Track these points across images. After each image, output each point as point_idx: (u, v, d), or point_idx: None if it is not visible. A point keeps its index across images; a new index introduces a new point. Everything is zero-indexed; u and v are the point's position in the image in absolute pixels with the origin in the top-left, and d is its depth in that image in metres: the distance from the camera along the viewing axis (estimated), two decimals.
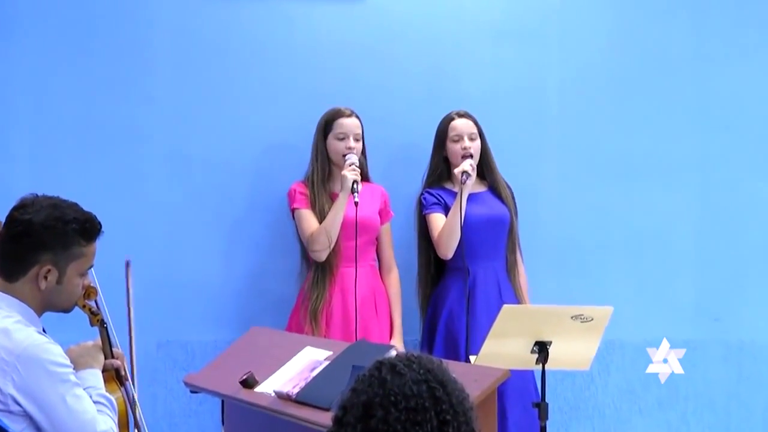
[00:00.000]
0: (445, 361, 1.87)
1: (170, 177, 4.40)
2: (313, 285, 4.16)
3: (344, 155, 4.16)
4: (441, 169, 4.29)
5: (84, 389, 2.66)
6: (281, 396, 3.04)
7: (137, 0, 4.41)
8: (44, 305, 2.71)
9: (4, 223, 2.71)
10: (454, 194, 4.19)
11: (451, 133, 4.25)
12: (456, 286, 4.19)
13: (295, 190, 4.23)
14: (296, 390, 3.01)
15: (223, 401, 3.46)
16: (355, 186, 4.05)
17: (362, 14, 4.50)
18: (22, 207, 2.69)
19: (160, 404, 4.34)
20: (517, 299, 4.25)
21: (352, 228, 4.10)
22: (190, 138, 4.42)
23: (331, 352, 3.17)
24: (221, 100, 4.44)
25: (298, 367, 3.15)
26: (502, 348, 3.44)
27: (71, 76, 4.36)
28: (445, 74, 4.53)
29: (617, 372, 4.60)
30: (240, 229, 4.44)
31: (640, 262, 4.62)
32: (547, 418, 3.48)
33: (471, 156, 4.20)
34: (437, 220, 4.21)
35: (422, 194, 4.29)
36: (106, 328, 2.91)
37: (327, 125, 4.22)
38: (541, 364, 3.48)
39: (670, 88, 4.65)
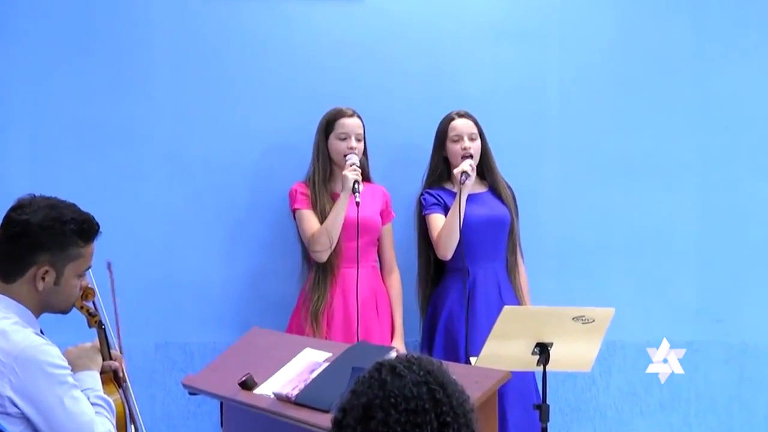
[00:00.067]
0: (445, 362, 1.87)
1: (169, 177, 4.40)
2: (314, 286, 4.16)
3: (345, 155, 4.14)
4: (441, 170, 4.28)
5: (82, 391, 2.65)
6: (280, 398, 3.03)
7: (136, 0, 4.39)
8: (42, 306, 2.70)
9: (2, 223, 2.70)
10: (453, 194, 4.19)
11: (451, 133, 4.24)
12: (456, 287, 4.19)
13: (296, 191, 4.23)
14: (296, 392, 3.00)
15: (221, 403, 3.46)
16: (356, 186, 4.04)
17: (362, 14, 4.50)
18: (19, 207, 2.69)
19: (158, 406, 4.34)
20: (518, 300, 4.25)
21: (353, 229, 4.09)
22: (189, 138, 4.42)
23: (330, 354, 3.17)
24: (221, 100, 4.43)
25: (298, 369, 3.15)
26: (503, 349, 3.44)
27: (70, 75, 4.36)
28: (445, 74, 4.53)
29: (619, 373, 4.60)
30: (240, 229, 4.43)
31: (642, 262, 4.62)
32: (548, 419, 3.48)
33: (471, 156, 4.19)
34: (437, 220, 4.21)
35: (422, 194, 4.29)
36: (104, 329, 2.91)
37: (328, 125, 4.21)
38: (542, 366, 3.48)
39: (671, 88, 4.65)
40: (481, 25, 4.56)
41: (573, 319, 3.47)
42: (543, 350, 3.46)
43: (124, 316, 3.28)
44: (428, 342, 4.24)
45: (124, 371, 2.95)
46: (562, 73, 4.60)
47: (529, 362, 3.49)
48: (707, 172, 4.65)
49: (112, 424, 2.70)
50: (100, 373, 2.80)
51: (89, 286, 2.87)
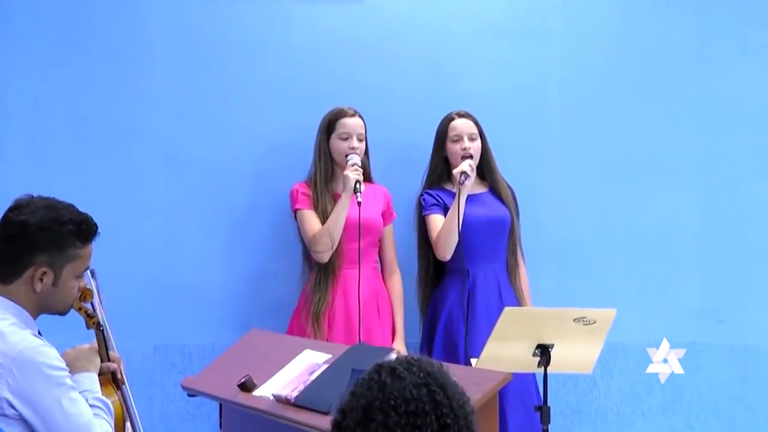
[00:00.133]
0: (445, 364, 1.86)
1: (168, 178, 4.39)
2: (315, 287, 4.15)
3: (347, 155, 4.14)
4: (441, 170, 4.28)
5: (80, 393, 2.65)
6: (280, 399, 3.03)
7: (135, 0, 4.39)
8: (40, 307, 2.70)
9: None
10: (453, 195, 4.18)
11: (451, 134, 4.23)
12: (455, 288, 4.18)
13: (297, 191, 4.22)
14: (295, 393, 3.00)
15: (220, 405, 3.46)
16: (357, 186, 4.04)
17: (361, 13, 4.49)
18: (17, 208, 2.68)
19: (157, 407, 4.33)
20: (518, 301, 4.24)
21: (354, 229, 4.08)
22: (188, 138, 4.41)
23: (330, 355, 3.17)
24: (220, 100, 4.43)
25: (297, 371, 3.15)
26: (504, 351, 3.43)
27: (68, 75, 4.35)
28: (446, 74, 4.52)
29: (620, 375, 4.58)
30: (240, 230, 4.43)
31: (643, 263, 4.61)
32: (549, 421, 3.49)
33: (471, 156, 4.19)
34: (436, 221, 4.20)
35: (422, 195, 4.28)
36: (103, 330, 2.89)
37: (330, 125, 4.21)
38: (543, 368, 3.47)
39: (673, 87, 4.64)
40: (482, 24, 4.55)
41: (574, 320, 3.47)
42: (544, 352, 3.47)
43: (122, 318, 3.27)
44: (428, 343, 4.23)
45: (123, 373, 2.93)
46: (563, 72, 4.59)
47: (529, 364, 3.49)
48: (709, 172, 4.64)
49: (111, 425, 2.69)
50: (99, 375, 2.79)
51: (87, 287, 2.85)
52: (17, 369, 2.54)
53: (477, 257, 4.19)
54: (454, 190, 4.18)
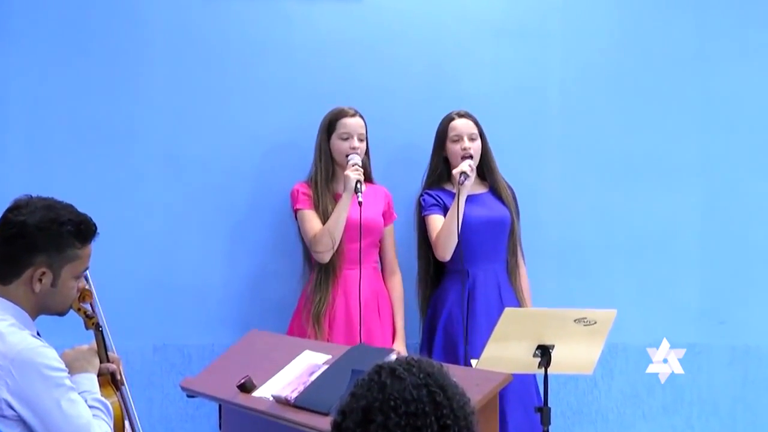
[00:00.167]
0: (445, 365, 1.86)
1: (167, 178, 4.39)
2: (315, 287, 4.15)
3: (348, 155, 4.13)
4: (441, 170, 4.27)
5: (79, 393, 2.64)
6: (279, 400, 3.02)
7: None
8: (39, 308, 2.69)
9: None
10: (453, 195, 4.17)
11: (451, 134, 4.23)
12: (455, 289, 4.17)
13: (298, 191, 4.21)
14: (295, 394, 2.99)
15: (220, 406, 3.46)
16: (358, 186, 4.03)
17: (361, 13, 4.49)
18: (16, 208, 2.68)
19: (156, 408, 4.32)
20: (518, 302, 4.24)
21: (355, 230, 4.08)
22: (188, 138, 4.40)
23: (330, 356, 3.16)
24: (219, 100, 4.42)
25: (297, 371, 3.14)
26: (504, 352, 3.43)
27: (67, 75, 4.34)
28: (446, 73, 4.52)
29: (621, 376, 4.58)
30: (240, 230, 4.42)
31: (644, 264, 4.60)
32: (549, 422, 3.48)
33: (471, 157, 4.18)
34: (436, 221, 4.20)
35: (421, 195, 4.28)
36: (102, 331, 2.89)
37: (331, 125, 4.20)
38: (543, 368, 3.46)
39: (674, 87, 4.63)
40: (482, 24, 4.55)
41: (575, 321, 3.46)
42: (544, 352, 3.46)
43: (121, 318, 3.27)
44: (428, 344, 4.23)
45: (122, 374, 2.93)
46: (564, 72, 4.58)
47: (530, 365, 3.48)
48: (710, 172, 4.64)
49: (110, 426, 2.69)
50: (98, 376, 2.79)
51: (86, 287, 2.85)
52: (16, 370, 2.54)
53: (477, 258, 4.19)
54: (454, 190, 4.17)
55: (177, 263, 4.36)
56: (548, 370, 3.47)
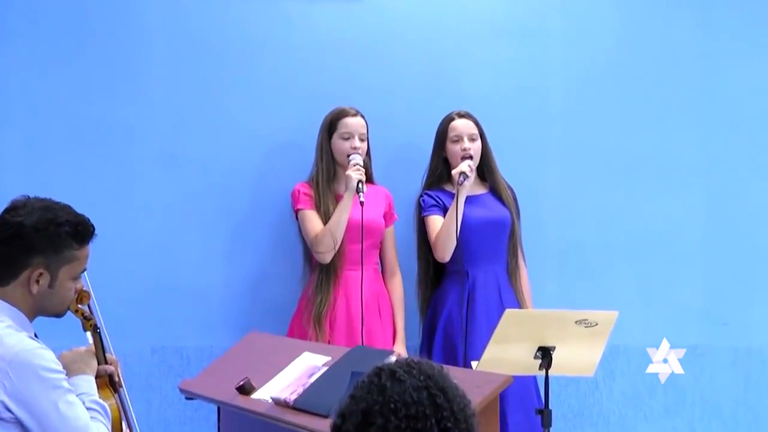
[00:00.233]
0: (446, 366, 1.86)
1: (166, 178, 4.38)
2: (316, 288, 4.14)
3: (349, 155, 4.13)
4: (440, 171, 4.27)
5: (77, 395, 2.63)
6: (279, 403, 3.02)
7: None
8: (36, 310, 2.69)
9: None
10: (453, 196, 4.16)
11: (451, 134, 4.22)
12: (455, 290, 4.17)
13: (299, 191, 4.21)
14: (294, 396, 2.99)
15: (219, 408, 3.46)
16: (360, 186, 4.02)
17: (361, 13, 4.48)
18: (13, 209, 2.67)
19: (154, 411, 4.31)
20: (519, 303, 4.23)
21: (357, 231, 4.08)
22: (187, 139, 4.40)
23: (329, 358, 3.17)
24: (219, 100, 4.42)
25: (296, 373, 3.14)
26: (505, 353, 3.42)
27: (65, 75, 4.33)
28: (446, 73, 4.52)
29: (622, 378, 4.58)
30: (240, 231, 4.42)
31: (646, 265, 4.59)
32: (550, 425, 3.47)
33: (471, 157, 4.17)
34: (435, 222, 4.19)
35: (421, 196, 4.27)
36: (99, 333, 2.88)
37: (332, 125, 4.20)
38: (544, 370, 3.45)
39: (675, 87, 4.63)
40: (483, 23, 4.54)
41: (576, 322, 3.45)
42: (545, 354, 3.45)
43: (119, 320, 3.26)
44: (427, 345, 4.23)
45: (120, 375, 2.92)
46: (565, 72, 4.58)
47: (531, 366, 3.48)
48: (712, 172, 4.64)
49: (108, 429, 2.67)
50: (96, 378, 2.78)
51: (84, 289, 2.84)
52: (14, 372, 2.53)
53: (477, 259, 4.18)
54: (454, 191, 4.16)
55: (175, 264, 4.36)
56: (549, 371, 3.46)
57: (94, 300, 2.92)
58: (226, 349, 3.67)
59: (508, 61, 4.55)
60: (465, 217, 4.10)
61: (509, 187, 4.33)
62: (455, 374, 1.85)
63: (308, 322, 4.11)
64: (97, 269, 2.95)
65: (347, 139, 4.17)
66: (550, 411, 3.47)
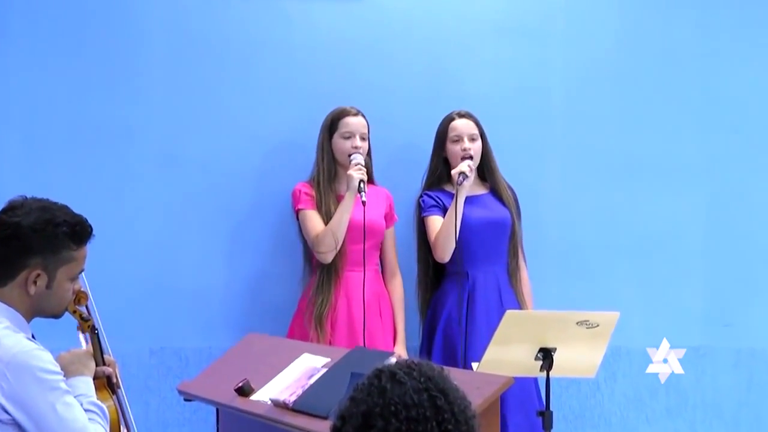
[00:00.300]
0: (446, 368, 1.85)
1: (165, 179, 4.37)
2: (317, 289, 4.14)
3: (350, 155, 4.12)
4: (440, 171, 4.26)
5: (75, 397, 2.62)
6: (278, 404, 3.02)
7: None
8: (33, 311, 2.68)
9: None
10: (453, 196, 4.15)
11: (451, 134, 4.21)
12: (455, 291, 4.17)
13: (299, 191, 4.20)
14: (293, 398, 2.99)
15: (217, 410, 3.46)
16: (361, 186, 4.01)
17: (361, 12, 4.48)
18: (10, 209, 2.67)
19: (152, 412, 4.30)
20: (519, 304, 4.22)
21: (358, 231, 4.07)
22: (186, 139, 4.39)
23: (329, 359, 3.17)
24: (218, 100, 4.41)
25: (295, 375, 3.14)
26: (506, 355, 3.42)
27: (64, 74, 4.32)
28: (447, 73, 4.51)
29: (624, 379, 4.57)
30: (240, 232, 4.40)
31: (647, 266, 4.59)
32: (551, 427, 3.46)
33: (471, 157, 4.16)
34: (435, 222, 4.18)
35: (421, 196, 4.26)
36: (97, 334, 2.88)
37: (332, 124, 4.19)
38: (545, 372, 3.44)
39: (677, 87, 4.62)
40: (484, 23, 4.53)
41: (577, 323, 3.45)
42: (546, 356, 3.44)
43: (118, 321, 3.26)
44: (427, 346, 4.22)
45: (118, 377, 2.92)
46: (566, 72, 4.57)
47: (532, 368, 3.47)
48: (714, 173, 4.63)
49: (106, 430, 2.67)
50: (94, 379, 2.77)
51: (82, 289, 2.84)
52: (11, 373, 2.52)
53: (477, 259, 4.18)
54: (454, 191, 4.15)
55: (174, 265, 4.35)
56: (550, 373, 3.45)
57: (92, 301, 2.92)
58: (225, 350, 3.67)
59: (509, 61, 4.54)
60: (465, 218, 4.10)
61: (510, 188, 4.32)
62: (456, 376, 1.84)
63: (309, 322, 4.10)
64: (95, 270, 2.96)
65: (348, 138, 4.16)
66: (551, 413, 3.46)
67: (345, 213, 4.08)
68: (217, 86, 4.40)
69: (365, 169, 4.09)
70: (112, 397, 2.82)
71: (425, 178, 4.29)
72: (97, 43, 4.34)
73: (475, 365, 3.57)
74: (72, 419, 2.56)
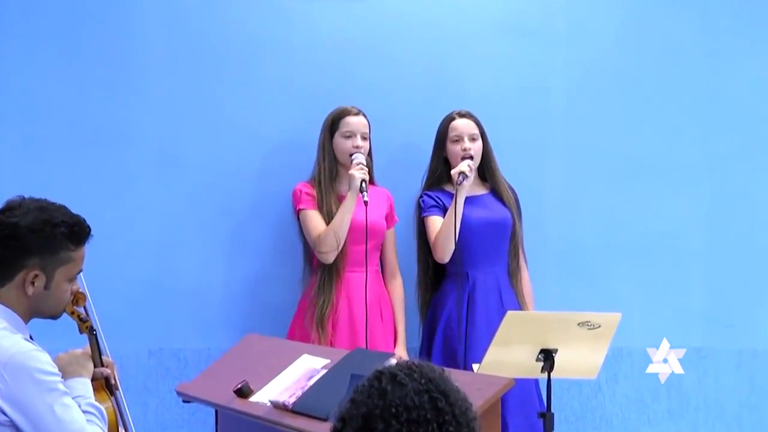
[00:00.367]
0: (447, 369, 1.84)
1: (164, 179, 4.36)
2: (319, 290, 4.13)
3: (351, 154, 4.12)
4: (440, 171, 4.25)
5: (73, 398, 2.62)
6: (277, 406, 3.01)
7: None
8: (31, 311, 2.68)
9: None
10: (453, 196, 4.13)
11: (451, 134, 4.20)
12: (455, 292, 4.16)
13: (300, 191, 4.19)
14: (293, 399, 2.98)
15: (216, 411, 3.44)
16: (363, 186, 4.00)
17: (362, 11, 4.47)
18: (8, 210, 2.66)
19: (151, 414, 4.29)
20: (520, 305, 4.22)
21: (358, 232, 4.07)
22: (185, 138, 4.39)
23: (328, 361, 3.16)
24: (218, 100, 4.40)
25: (295, 376, 3.13)
26: (506, 356, 3.41)
27: (63, 74, 4.31)
28: (447, 72, 4.50)
29: (625, 380, 4.56)
30: (240, 232, 4.40)
31: (649, 267, 4.58)
32: (552, 428, 3.45)
33: (471, 157, 4.15)
34: (435, 223, 4.18)
35: (421, 196, 4.26)
36: (96, 335, 2.87)
37: (333, 124, 4.19)
38: (546, 373, 3.43)
39: (679, 88, 4.62)
40: (484, 21, 4.53)
41: (578, 324, 3.44)
42: (547, 357, 3.44)
43: (116, 322, 3.25)
44: (427, 347, 4.21)
45: (116, 378, 2.91)
46: (568, 71, 4.57)
47: (533, 369, 3.47)
48: (717, 173, 4.62)
49: None
50: (92, 380, 2.77)
51: (80, 290, 2.84)
52: (9, 374, 2.52)
53: (477, 260, 4.17)
54: (454, 191, 4.14)
55: (173, 265, 4.34)
56: (551, 374, 3.44)
57: (90, 301, 2.92)
58: (225, 351, 3.65)
59: (510, 61, 4.54)
60: (465, 218, 4.09)
61: (511, 188, 4.31)
62: (456, 377, 1.83)
63: (311, 323, 4.10)
64: (94, 270, 2.96)
65: (349, 137, 4.15)
66: (552, 414, 3.45)
67: (347, 213, 4.07)
68: (216, 86, 4.39)
69: (367, 169, 4.08)
70: (110, 399, 2.82)
71: (425, 178, 4.28)
72: (96, 42, 4.34)
73: (476, 366, 3.56)
74: (70, 421, 2.56)
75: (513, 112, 4.52)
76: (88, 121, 4.31)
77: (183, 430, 4.32)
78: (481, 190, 4.28)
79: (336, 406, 1.81)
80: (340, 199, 4.13)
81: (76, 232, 2.65)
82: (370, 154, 4.22)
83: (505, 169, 4.31)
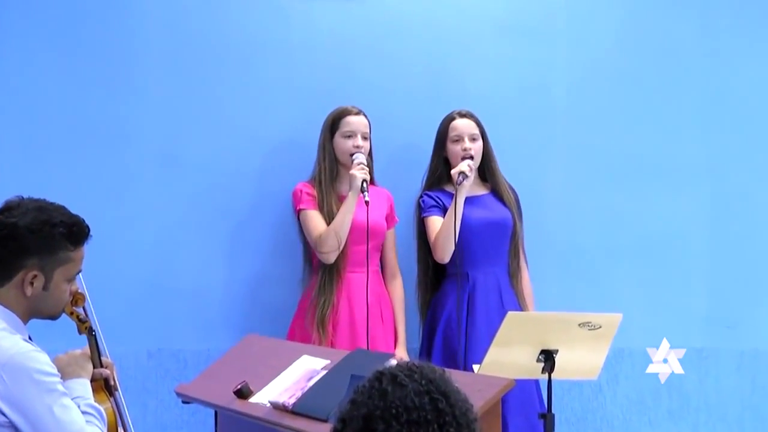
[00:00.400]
0: (447, 370, 1.83)
1: (164, 179, 4.36)
2: (319, 290, 4.12)
3: (352, 154, 4.12)
4: (441, 171, 4.25)
5: (72, 399, 2.62)
6: (277, 407, 3.01)
7: None
8: (30, 312, 2.67)
9: None
10: (453, 196, 4.13)
11: (452, 134, 4.20)
12: (455, 292, 4.15)
13: (301, 191, 4.19)
14: (293, 400, 2.98)
15: (216, 412, 3.44)
16: (364, 185, 4.00)
17: (362, 10, 4.47)
18: (7, 210, 2.66)
19: (150, 414, 4.29)
20: (520, 306, 4.22)
21: (360, 232, 4.07)
22: (185, 138, 4.38)
23: (328, 361, 3.15)
24: (218, 99, 4.40)
25: (295, 377, 3.13)
26: (507, 356, 3.41)
27: (61, 73, 4.30)
28: (448, 72, 4.50)
29: (626, 381, 4.56)
30: (240, 233, 4.39)
31: (650, 267, 4.58)
32: (553, 429, 3.45)
33: (471, 157, 4.15)
34: (435, 223, 4.18)
35: (421, 197, 4.25)
36: (95, 335, 2.88)
37: (334, 123, 4.18)
38: (547, 374, 3.43)
39: (680, 87, 4.63)
40: (485, 21, 4.53)
41: (579, 325, 3.44)
42: (548, 357, 3.44)
43: (115, 322, 3.24)
44: (427, 348, 4.21)
45: (116, 379, 2.91)
46: (569, 71, 4.57)
47: (533, 370, 3.46)
48: (717, 173, 4.63)
49: None
50: (91, 381, 2.77)
51: (79, 291, 2.84)
52: (8, 375, 2.52)
53: (477, 260, 4.17)
54: (454, 191, 4.13)
55: (173, 265, 4.33)
56: (552, 375, 3.44)
57: (89, 302, 2.92)
58: (224, 351, 3.65)
59: (511, 60, 4.54)
60: (465, 218, 4.08)
61: (511, 188, 4.31)
62: (456, 378, 1.82)
63: (311, 324, 4.09)
64: (93, 271, 2.95)
65: (350, 137, 4.15)
66: (553, 415, 3.46)
67: (348, 213, 4.07)
68: (216, 86, 4.39)
69: (368, 169, 4.08)
70: (109, 400, 2.82)
71: (425, 178, 4.28)
72: (96, 42, 4.34)
73: (476, 367, 3.56)
74: (69, 421, 2.56)
75: (513, 112, 4.52)
76: (88, 121, 4.31)
77: (182, 431, 4.31)
78: (481, 190, 4.28)
79: (336, 407, 1.81)
80: (341, 199, 4.13)
81: (75, 232, 2.65)
82: (370, 154, 4.22)
83: (506, 169, 4.31)
